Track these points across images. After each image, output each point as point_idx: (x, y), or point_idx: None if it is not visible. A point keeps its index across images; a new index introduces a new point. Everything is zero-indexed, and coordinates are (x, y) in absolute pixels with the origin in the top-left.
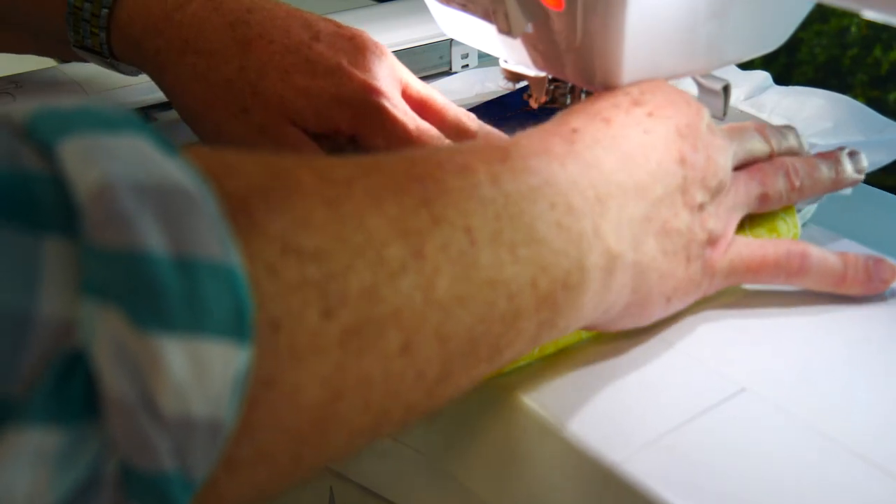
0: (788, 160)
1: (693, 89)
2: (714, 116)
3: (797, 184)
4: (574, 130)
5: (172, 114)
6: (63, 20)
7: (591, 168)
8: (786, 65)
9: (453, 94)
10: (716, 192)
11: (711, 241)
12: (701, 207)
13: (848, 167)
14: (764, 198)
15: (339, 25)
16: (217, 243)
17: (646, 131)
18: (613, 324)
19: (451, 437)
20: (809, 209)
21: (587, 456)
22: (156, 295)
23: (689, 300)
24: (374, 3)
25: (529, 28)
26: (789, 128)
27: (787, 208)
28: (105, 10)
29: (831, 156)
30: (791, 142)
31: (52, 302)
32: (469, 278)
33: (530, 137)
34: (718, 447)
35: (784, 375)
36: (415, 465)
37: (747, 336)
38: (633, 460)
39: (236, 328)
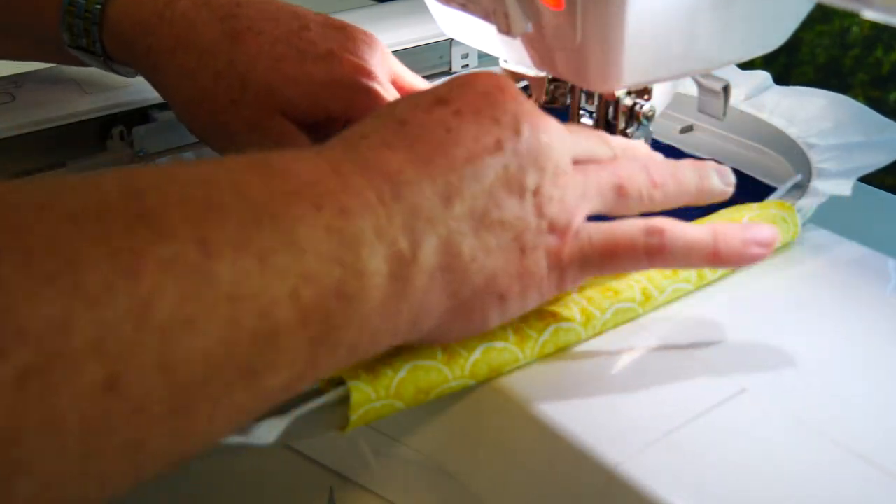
0: (648, 157)
1: (693, 89)
2: (714, 116)
3: (658, 180)
4: (363, 136)
5: (172, 114)
6: (58, 22)
7: (373, 169)
8: (786, 65)
9: None
10: (554, 174)
11: (554, 229)
12: (536, 192)
13: (714, 178)
14: (621, 190)
15: (329, 17)
16: None
17: (448, 130)
18: (442, 336)
19: (451, 437)
20: (810, 208)
21: (587, 456)
22: None
23: (536, 297)
24: (374, 3)
25: (529, 28)
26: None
27: (786, 207)
28: (97, 7)
29: (697, 164)
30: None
31: None
32: (201, 296)
33: (301, 152)
34: (719, 447)
35: (784, 375)
36: (415, 465)
37: (747, 336)
38: (634, 461)
39: None
